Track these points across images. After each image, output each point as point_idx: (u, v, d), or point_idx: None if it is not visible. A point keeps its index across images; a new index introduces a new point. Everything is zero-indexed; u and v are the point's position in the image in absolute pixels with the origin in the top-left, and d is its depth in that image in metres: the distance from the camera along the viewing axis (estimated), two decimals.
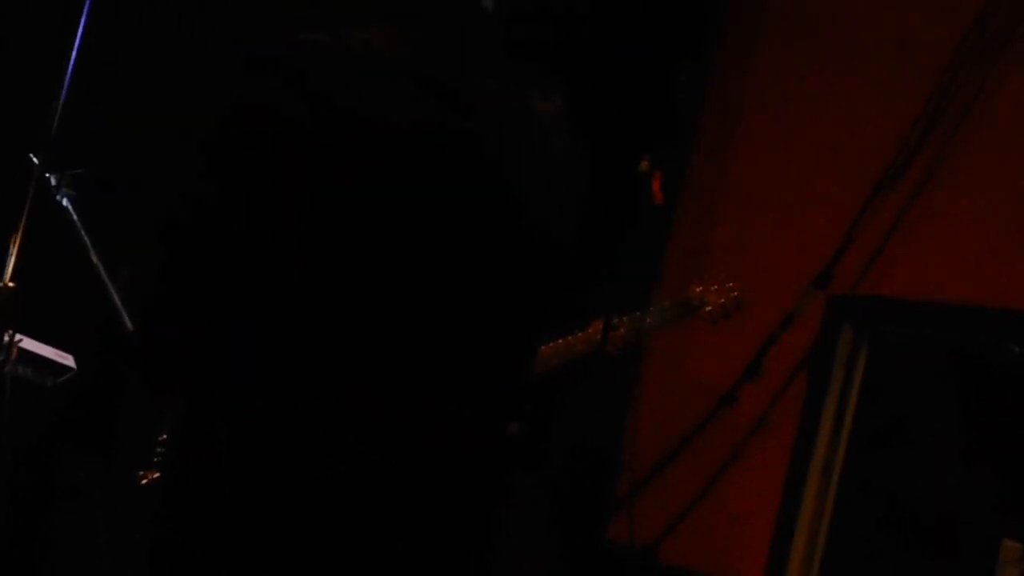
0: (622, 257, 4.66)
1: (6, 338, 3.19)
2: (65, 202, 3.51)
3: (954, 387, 4.98)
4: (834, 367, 5.08)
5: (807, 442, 5.04)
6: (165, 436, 3.70)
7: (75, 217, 3.53)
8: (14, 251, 3.12)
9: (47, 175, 3.35)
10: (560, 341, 3.91)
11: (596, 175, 5.17)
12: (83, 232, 3.55)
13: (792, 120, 5.32)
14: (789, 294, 5.03)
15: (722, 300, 4.10)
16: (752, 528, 5.06)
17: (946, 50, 4.81)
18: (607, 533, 5.31)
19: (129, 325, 3.64)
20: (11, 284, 3.12)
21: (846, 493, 5.08)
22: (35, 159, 3.32)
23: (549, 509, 4.36)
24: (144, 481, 3.67)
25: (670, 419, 5.31)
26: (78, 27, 3.21)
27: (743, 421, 5.13)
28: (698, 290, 4.12)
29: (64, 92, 3.18)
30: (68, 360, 3.77)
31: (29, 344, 3.55)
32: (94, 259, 3.57)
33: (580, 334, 3.91)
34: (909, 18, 5.02)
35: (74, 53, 3.20)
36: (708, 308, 4.10)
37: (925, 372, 5.06)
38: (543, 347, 3.88)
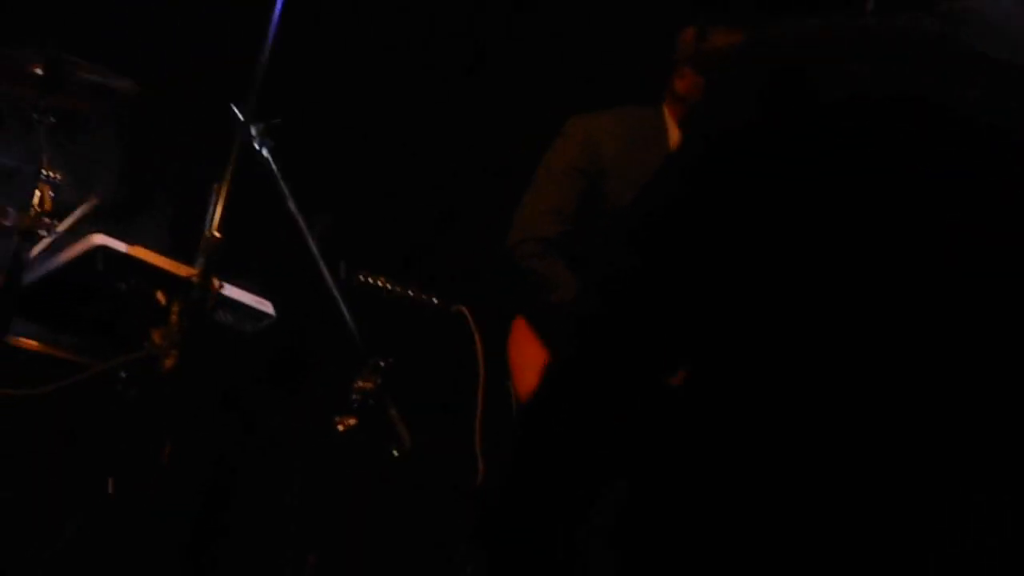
0: None
1: (214, 286, 3.24)
2: (265, 152, 3.55)
3: None
4: None
5: None
6: (361, 383, 3.73)
7: (274, 167, 3.57)
8: (220, 202, 3.16)
9: (250, 125, 3.38)
10: None
11: None
12: (281, 182, 3.59)
13: None
14: None
15: None
16: None
17: None
18: None
19: (325, 273, 3.68)
20: (217, 234, 3.16)
21: None
22: (238, 110, 3.36)
23: None
24: (341, 427, 3.71)
25: None
26: None
27: None
28: None
29: (269, 41, 3.20)
30: (267, 307, 3.83)
31: (231, 291, 3.61)
32: (292, 208, 3.61)
33: None
34: None
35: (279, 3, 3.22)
36: None
37: None
38: None
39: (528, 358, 3.97)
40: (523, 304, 3.96)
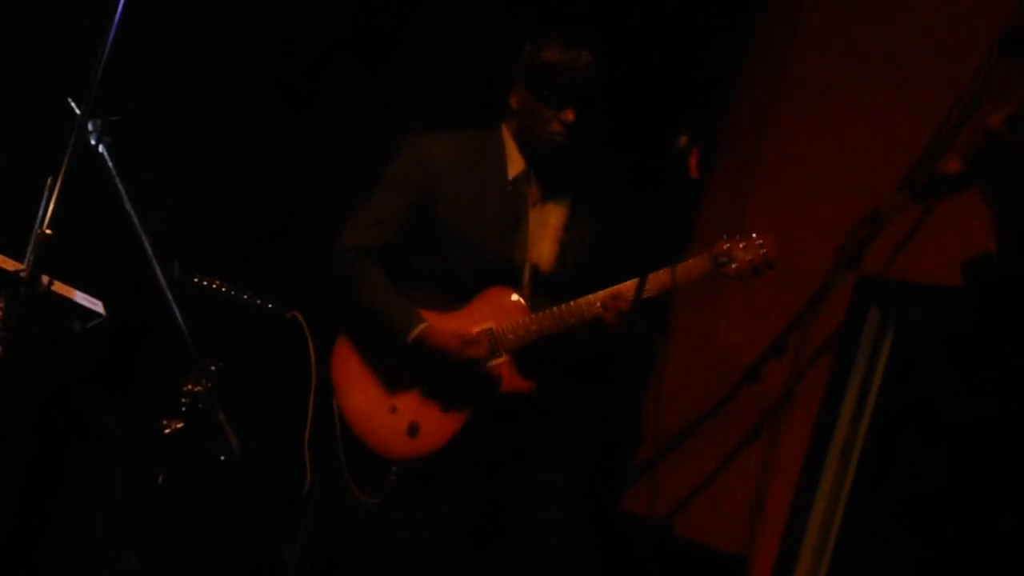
0: (655, 230, 4.64)
1: (42, 283, 3.18)
2: (101, 149, 3.50)
3: (977, 373, 4.96)
4: (859, 348, 5.05)
5: (828, 422, 5.03)
6: (191, 386, 3.70)
7: (110, 164, 3.52)
8: (52, 198, 3.10)
9: (87, 122, 3.32)
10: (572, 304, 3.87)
11: (635, 148, 5.13)
12: (117, 179, 3.54)
13: (832, 96, 5.27)
14: (821, 273, 5.00)
15: (749, 257, 3.89)
16: (768, 506, 5.05)
17: (990, 36, 4.75)
18: (622, 504, 5.31)
19: (159, 273, 3.64)
20: (48, 231, 3.10)
21: (864, 474, 5.07)
22: (75, 105, 3.31)
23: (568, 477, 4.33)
24: (168, 431, 3.67)
25: (694, 392, 5.30)
26: None
27: (766, 398, 5.11)
28: (725, 247, 3.89)
29: (110, 36, 3.16)
30: (97, 306, 3.77)
31: (60, 288, 3.55)
32: (127, 207, 3.56)
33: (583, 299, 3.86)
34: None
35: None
36: (734, 265, 3.90)
37: (949, 358, 5.04)
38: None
39: (351, 373, 3.97)
40: (341, 311, 4.00)
